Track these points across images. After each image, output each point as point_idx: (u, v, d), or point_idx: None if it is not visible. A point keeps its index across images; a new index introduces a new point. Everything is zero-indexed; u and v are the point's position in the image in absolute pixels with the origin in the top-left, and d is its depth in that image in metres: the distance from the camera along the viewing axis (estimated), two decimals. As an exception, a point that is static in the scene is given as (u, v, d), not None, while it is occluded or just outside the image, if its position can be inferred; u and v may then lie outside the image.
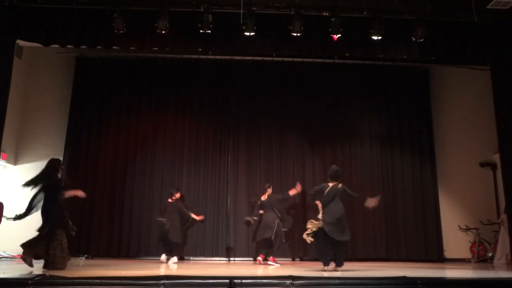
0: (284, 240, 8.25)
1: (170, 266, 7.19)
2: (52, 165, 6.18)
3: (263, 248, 8.23)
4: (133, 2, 7.33)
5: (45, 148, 9.45)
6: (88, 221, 9.18)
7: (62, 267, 5.71)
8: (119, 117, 9.83)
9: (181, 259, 8.80)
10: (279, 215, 8.20)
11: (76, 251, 8.77)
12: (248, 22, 7.07)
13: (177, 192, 8.52)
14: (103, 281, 4.28)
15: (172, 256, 8.06)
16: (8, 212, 7.85)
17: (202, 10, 7.14)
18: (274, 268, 7.16)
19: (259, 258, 8.15)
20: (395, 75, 10.40)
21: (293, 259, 9.33)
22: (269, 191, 8.40)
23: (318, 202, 6.47)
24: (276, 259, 8.25)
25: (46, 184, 5.98)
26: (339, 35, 7.24)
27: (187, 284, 4.26)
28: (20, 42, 8.09)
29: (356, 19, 7.50)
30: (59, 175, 6.18)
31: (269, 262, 8.00)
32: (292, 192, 8.46)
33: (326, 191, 6.36)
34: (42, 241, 5.80)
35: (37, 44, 7.69)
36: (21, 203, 6.15)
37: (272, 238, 8.01)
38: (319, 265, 6.45)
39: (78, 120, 9.73)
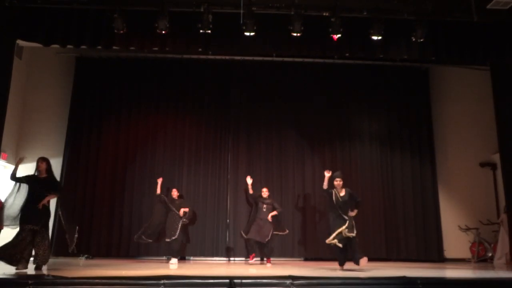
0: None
1: (171, 267, 7.20)
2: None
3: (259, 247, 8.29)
4: (133, 2, 7.31)
5: (45, 148, 9.42)
6: (88, 221, 9.17)
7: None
8: (119, 117, 9.83)
9: (181, 259, 8.79)
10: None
11: (76, 251, 8.78)
12: (248, 22, 7.06)
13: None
14: (103, 281, 4.29)
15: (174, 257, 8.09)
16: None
17: (202, 10, 7.13)
18: (273, 268, 7.16)
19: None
20: (395, 75, 10.39)
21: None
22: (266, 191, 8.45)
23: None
24: (276, 259, 8.26)
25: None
26: (339, 35, 7.23)
27: (187, 284, 4.27)
28: (20, 42, 8.09)
29: (356, 19, 7.49)
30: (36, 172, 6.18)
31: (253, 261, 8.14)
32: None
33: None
34: (26, 247, 5.82)
35: (37, 44, 7.68)
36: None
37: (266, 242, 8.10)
38: (320, 265, 6.46)
39: (78, 120, 9.73)
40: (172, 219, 8.10)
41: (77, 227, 6.47)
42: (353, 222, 6.56)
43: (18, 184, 6.08)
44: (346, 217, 6.49)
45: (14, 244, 5.74)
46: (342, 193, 6.67)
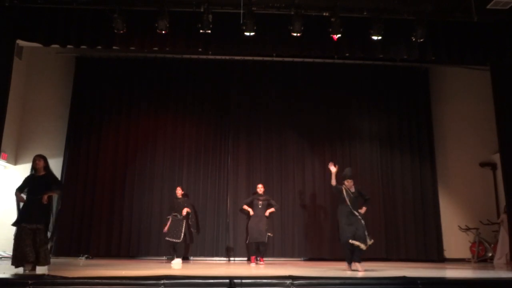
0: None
1: (172, 267, 7.19)
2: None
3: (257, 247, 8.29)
4: (133, 2, 7.31)
5: (45, 148, 9.37)
6: (88, 221, 9.17)
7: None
8: (119, 117, 9.83)
9: (183, 258, 8.75)
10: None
11: (76, 251, 8.79)
12: (248, 22, 7.05)
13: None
14: (103, 281, 4.28)
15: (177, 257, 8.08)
16: (6, 212, 7.85)
17: (202, 10, 7.13)
18: (273, 268, 7.16)
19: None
20: (395, 75, 10.40)
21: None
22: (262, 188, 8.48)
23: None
24: (276, 259, 8.25)
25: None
26: (339, 35, 7.23)
27: (187, 284, 4.26)
28: (20, 42, 8.09)
29: (356, 19, 7.49)
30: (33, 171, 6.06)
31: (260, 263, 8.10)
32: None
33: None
34: (29, 244, 5.68)
35: (37, 44, 7.68)
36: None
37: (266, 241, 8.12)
38: (320, 265, 6.46)
39: (78, 120, 9.73)
40: (176, 220, 8.12)
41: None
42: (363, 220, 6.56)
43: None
44: (356, 213, 6.53)
45: (20, 247, 5.67)
46: (352, 190, 6.73)
